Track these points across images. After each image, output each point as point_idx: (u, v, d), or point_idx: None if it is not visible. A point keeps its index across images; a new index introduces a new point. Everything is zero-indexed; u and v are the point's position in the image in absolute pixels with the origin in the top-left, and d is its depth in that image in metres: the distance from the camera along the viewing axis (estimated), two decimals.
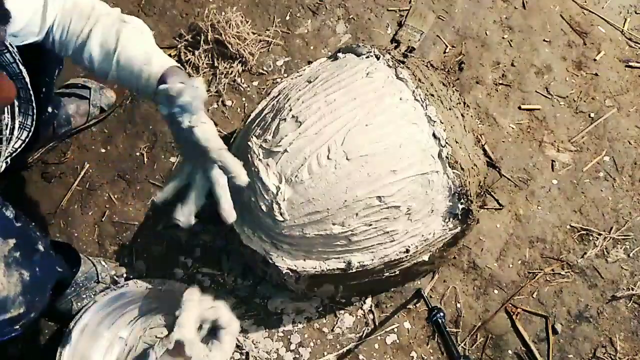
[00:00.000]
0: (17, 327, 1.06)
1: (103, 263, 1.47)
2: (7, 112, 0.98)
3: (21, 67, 0.98)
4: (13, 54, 0.96)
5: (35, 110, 1.00)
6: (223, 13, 1.73)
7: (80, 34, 1.04)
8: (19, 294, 1.04)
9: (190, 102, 0.96)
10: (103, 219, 1.58)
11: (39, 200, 1.59)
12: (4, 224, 1.05)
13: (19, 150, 0.99)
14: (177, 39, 1.77)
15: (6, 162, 1.00)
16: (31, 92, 0.99)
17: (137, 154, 1.65)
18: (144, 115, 1.68)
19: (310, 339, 1.47)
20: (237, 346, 1.46)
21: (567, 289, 1.51)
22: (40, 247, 1.12)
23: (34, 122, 1.00)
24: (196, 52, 1.73)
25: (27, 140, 1.00)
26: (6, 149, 0.95)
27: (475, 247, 1.54)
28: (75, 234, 1.57)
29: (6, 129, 0.95)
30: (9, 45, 0.95)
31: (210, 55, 1.73)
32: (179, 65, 1.06)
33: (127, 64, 1.04)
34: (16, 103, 1.00)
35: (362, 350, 1.46)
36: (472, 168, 1.24)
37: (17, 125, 0.98)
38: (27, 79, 1.00)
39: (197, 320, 0.97)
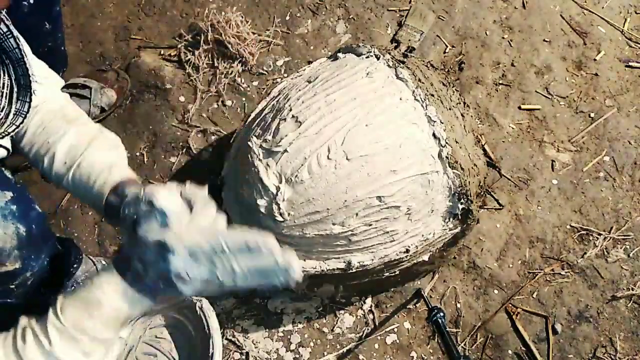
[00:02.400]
0: (13, 286, 1.06)
1: (103, 262, 1.47)
2: (5, 97, 0.98)
3: (23, 53, 0.99)
4: (17, 40, 0.97)
5: (32, 98, 1.00)
6: (223, 13, 1.73)
7: (56, 133, 1.03)
8: (14, 247, 1.03)
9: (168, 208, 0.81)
10: (103, 219, 1.58)
11: (39, 200, 1.59)
12: (2, 178, 1.04)
13: (11, 134, 1.00)
14: (177, 39, 1.77)
15: None
16: (31, 78, 1.00)
17: (137, 154, 1.65)
18: (144, 115, 1.68)
19: (310, 339, 1.47)
20: (237, 346, 1.46)
21: (567, 289, 1.51)
22: (38, 208, 1.11)
23: (29, 109, 1.01)
24: (196, 52, 1.73)
25: (20, 125, 1.00)
26: None
27: (475, 247, 1.54)
28: (75, 234, 1.57)
29: (1, 110, 0.95)
30: (13, 31, 0.95)
31: (210, 55, 1.73)
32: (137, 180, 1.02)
33: (85, 169, 1.00)
34: (15, 89, 1.01)
35: (362, 350, 1.46)
36: (472, 168, 1.24)
37: (12, 111, 0.97)
38: (29, 66, 1.00)
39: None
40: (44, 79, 1.06)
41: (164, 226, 0.80)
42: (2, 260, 1.03)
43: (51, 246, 1.19)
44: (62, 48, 1.58)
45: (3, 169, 1.07)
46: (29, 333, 0.79)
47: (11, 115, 0.98)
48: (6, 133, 0.98)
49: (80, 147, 1.02)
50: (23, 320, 0.82)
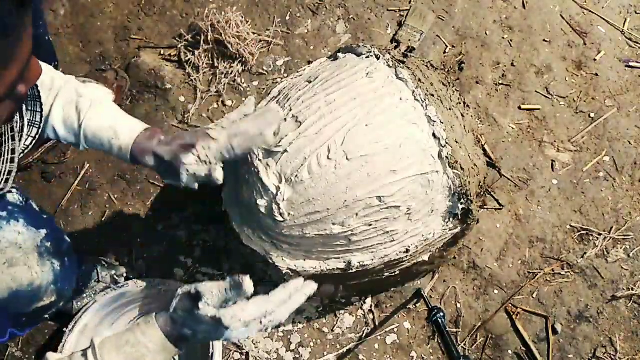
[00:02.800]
0: (47, 315, 1.08)
1: (103, 263, 1.47)
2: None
3: None
4: None
5: (42, 107, 1.01)
6: (223, 13, 1.73)
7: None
8: (51, 282, 1.06)
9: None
10: (103, 219, 1.58)
11: (39, 200, 1.59)
12: (33, 214, 1.08)
13: (30, 147, 1.01)
14: (177, 39, 1.77)
15: (18, 160, 1.02)
16: (38, 88, 1.00)
17: None
18: (144, 115, 1.68)
19: (310, 339, 1.47)
20: (237, 346, 1.46)
21: (567, 289, 1.51)
22: (67, 239, 1.16)
23: (42, 119, 1.01)
24: (196, 52, 1.73)
25: (37, 137, 1.01)
26: (18, 146, 0.96)
27: (475, 247, 1.54)
28: (75, 234, 1.57)
29: (16, 126, 0.96)
30: None
31: (210, 55, 1.73)
32: (148, 126, 1.07)
33: (96, 139, 1.05)
34: None
35: (362, 350, 1.46)
36: (472, 168, 1.24)
37: (26, 123, 0.99)
38: None
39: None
40: None
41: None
42: (40, 297, 1.06)
43: (79, 270, 1.22)
44: (47, 38, 1.54)
45: (32, 203, 1.09)
46: None
47: (26, 128, 0.99)
48: (25, 147, 0.99)
49: (73, 121, 1.05)
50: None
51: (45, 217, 1.11)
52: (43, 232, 1.06)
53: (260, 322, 0.91)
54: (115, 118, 1.07)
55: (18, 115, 0.98)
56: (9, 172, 0.95)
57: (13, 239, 1.01)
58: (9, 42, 0.59)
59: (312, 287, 0.97)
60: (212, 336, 0.92)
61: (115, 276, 1.47)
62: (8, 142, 0.94)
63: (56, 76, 1.07)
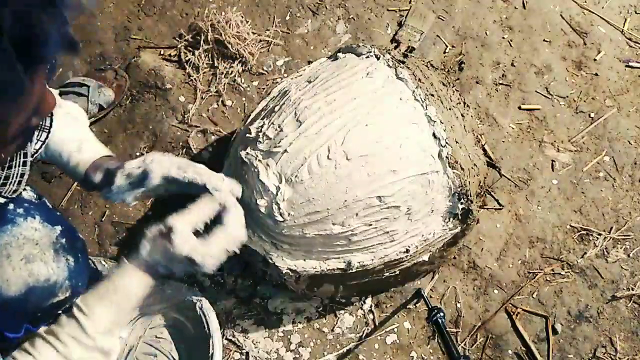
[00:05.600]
0: (60, 311, 1.10)
1: (103, 262, 1.47)
2: None
3: None
4: None
5: (52, 112, 1.02)
6: (223, 13, 1.73)
7: None
8: (65, 278, 1.07)
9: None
10: (103, 219, 1.58)
11: None
12: (48, 211, 1.09)
13: (40, 151, 1.02)
14: (177, 39, 1.77)
15: (30, 163, 1.03)
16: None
17: (137, 154, 1.64)
18: (144, 115, 1.68)
19: (310, 339, 1.47)
20: (237, 346, 1.46)
21: (567, 289, 1.51)
22: (80, 236, 1.17)
23: (52, 123, 1.03)
24: (196, 52, 1.73)
25: (46, 141, 1.02)
26: (30, 150, 0.98)
27: (475, 247, 1.54)
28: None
29: None
30: None
31: (210, 55, 1.73)
32: (112, 154, 1.09)
33: (57, 148, 1.06)
34: None
35: (362, 350, 1.46)
36: (472, 168, 1.24)
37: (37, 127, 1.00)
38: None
39: (198, 220, 0.97)
40: None
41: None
42: (56, 292, 1.06)
43: (90, 267, 1.23)
44: None
45: (45, 200, 1.10)
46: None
47: (36, 132, 1.00)
48: (35, 151, 1.01)
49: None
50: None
51: (58, 214, 1.13)
52: (58, 228, 1.08)
53: (227, 250, 0.95)
54: (85, 135, 1.09)
55: None
56: (22, 175, 0.97)
57: (30, 235, 1.03)
58: (22, 90, 0.58)
59: (235, 185, 1.02)
60: (185, 271, 0.94)
61: None
62: None
63: None
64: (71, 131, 1.07)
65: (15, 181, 0.95)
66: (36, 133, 1.00)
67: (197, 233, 0.95)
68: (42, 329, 0.88)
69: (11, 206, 1.04)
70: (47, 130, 1.02)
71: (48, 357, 0.83)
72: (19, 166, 0.95)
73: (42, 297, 1.05)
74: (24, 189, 1.04)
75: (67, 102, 1.11)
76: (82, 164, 1.05)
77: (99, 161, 1.05)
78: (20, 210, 1.04)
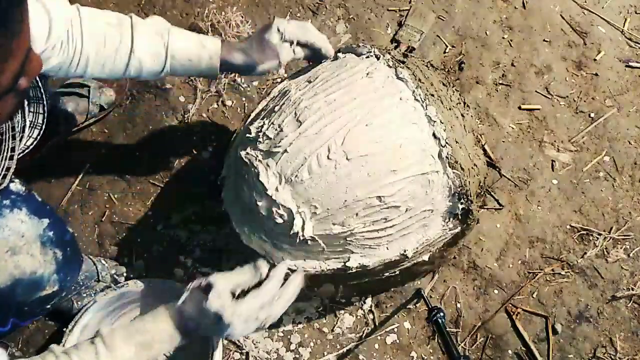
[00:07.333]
0: (49, 306, 1.09)
1: (103, 262, 1.47)
2: (19, 111, 1.00)
3: None
4: None
5: (46, 109, 1.02)
6: (223, 13, 1.73)
7: (119, 45, 1.06)
8: (53, 272, 1.07)
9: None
10: (103, 219, 1.58)
11: None
12: (36, 203, 1.09)
13: (30, 147, 1.02)
14: None
15: (17, 160, 1.03)
16: (42, 90, 1.01)
17: (137, 154, 1.64)
18: (144, 115, 1.68)
19: (310, 339, 1.47)
20: (237, 346, 1.46)
21: (567, 289, 1.51)
22: (69, 229, 1.17)
23: (45, 120, 1.02)
24: None
25: (38, 138, 1.02)
26: (18, 145, 0.98)
27: (475, 247, 1.54)
28: (75, 234, 1.57)
29: (18, 126, 0.97)
30: None
31: None
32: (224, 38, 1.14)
33: (183, 56, 1.11)
34: (26, 102, 1.02)
35: (362, 350, 1.46)
36: (472, 168, 1.24)
37: (27, 124, 1.00)
38: (37, 77, 1.01)
39: (239, 282, 0.98)
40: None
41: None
42: (43, 286, 1.06)
43: (82, 263, 1.23)
44: None
45: (35, 194, 1.10)
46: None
47: (27, 129, 1.00)
48: (26, 147, 1.01)
49: (160, 50, 1.10)
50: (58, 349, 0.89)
51: (48, 207, 1.13)
52: (45, 221, 1.08)
53: (257, 318, 0.94)
54: (192, 34, 1.14)
55: (20, 115, 0.99)
56: (7, 169, 0.97)
57: (16, 227, 1.02)
58: (9, 35, 0.58)
59: (299, 278, 1.02)
60: (213, 332, 0.94)
61: (115, 275, 1.47)
62: (8, 141, 0.96)
63: (117, 15, 1.10)
64: (184, 37, 1.13)
65: (0, 174, 0.95)
66: (27, 130, 1.00)
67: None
68: (58, 348, 0.89)
69: None
70: (39, 128, 1.02)
71: None
72: (5, 160, 0.96)
73: (29, 290, 1.05)
74: (12, 182, 1.04)
75: (153, 18, 1.14)
76: (214, 55, 1.13)
77: (226, 45, 1.15)
78: (7, 202, 1.03)
